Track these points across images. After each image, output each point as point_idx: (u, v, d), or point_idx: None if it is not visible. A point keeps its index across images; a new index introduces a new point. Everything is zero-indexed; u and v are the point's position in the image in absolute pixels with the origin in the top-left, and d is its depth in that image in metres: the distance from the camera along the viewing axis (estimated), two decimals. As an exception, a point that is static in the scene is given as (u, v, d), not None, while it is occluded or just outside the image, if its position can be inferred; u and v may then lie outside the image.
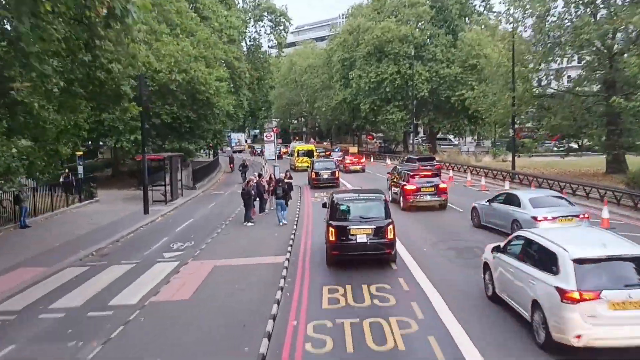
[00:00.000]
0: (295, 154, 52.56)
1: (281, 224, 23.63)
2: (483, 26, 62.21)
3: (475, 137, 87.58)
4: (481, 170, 43.08)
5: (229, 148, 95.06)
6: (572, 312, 8.38)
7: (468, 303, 12.02)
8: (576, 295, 8.40)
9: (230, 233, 22.10)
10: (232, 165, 59.47)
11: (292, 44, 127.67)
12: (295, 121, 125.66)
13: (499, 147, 64.67)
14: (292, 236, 20.65)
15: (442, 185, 26.03)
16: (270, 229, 22.86)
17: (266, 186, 26.70)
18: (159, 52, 36.76)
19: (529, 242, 10.54)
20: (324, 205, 17.62)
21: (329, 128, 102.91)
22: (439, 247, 18.04)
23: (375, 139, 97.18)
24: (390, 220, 15.18)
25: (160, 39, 37.47)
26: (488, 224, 20.06)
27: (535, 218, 16.88)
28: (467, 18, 66.07)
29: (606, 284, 8.53)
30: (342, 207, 15.79)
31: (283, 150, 75.41)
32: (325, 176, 38.13)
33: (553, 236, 9.99)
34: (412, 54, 59.58)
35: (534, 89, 36.96)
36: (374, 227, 14.96)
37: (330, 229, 15.06)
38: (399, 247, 16.73)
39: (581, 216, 17.32)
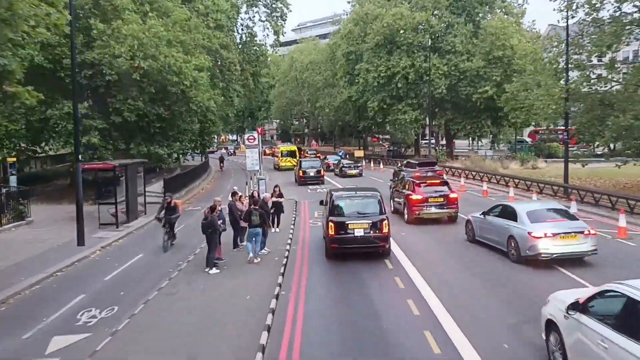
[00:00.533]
0: (280, 155, 57.89)
1: (256, 261, 16.74)
2: (507, 15, 54.70)
3: (490, 140, 79.83)
4: (514, 180, 35.43)
5: (223, 150, 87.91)
6: None
7: None
8: None
9: (179, 291, 14.29)
10: (222, 165, 61.11)
11: (294, 42, 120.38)
12: (297, 122, 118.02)
13: (525, 151, 57.02)
14: (275, 297, 13.02)
15: (452, 195, 23.22)
16: (243, 277, 15.24)
17: (244, 209, 18.97)
18: (119, 32, 29.25)
19: (633, 304, 6.74)
20: (322, 202, 19.61)
21: (332, 129, 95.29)
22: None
23: (379, 141, 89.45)
24: (385, 216, 16.57)
25: (121, 16, 29.95)
26: (483, 239, 18.25)
27: (531, 234, 15.18)
28: (488, 6, 58.22)
29: None
30: (340, 204, 17.01)
31: (268, 151, 76.19)
32: (312, 174, 41.03)
33: None
34: (429, 43, 51.82)
35: (592, 81, 29.12)
36: (370, 222, 16.21)
37: (330, 224, 16.27)
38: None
39: (586, 232, 15.32)
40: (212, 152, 74.44)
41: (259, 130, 23.71)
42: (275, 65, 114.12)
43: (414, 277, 14.65)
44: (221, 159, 62.84)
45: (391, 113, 56.40)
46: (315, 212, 27.13)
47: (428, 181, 24.09)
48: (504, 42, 50.48)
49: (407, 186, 24.07)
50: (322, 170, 41.66)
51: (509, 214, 16.70)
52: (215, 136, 77.40)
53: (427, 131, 63.86)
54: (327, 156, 58.52)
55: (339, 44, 72.91)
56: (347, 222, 16.13)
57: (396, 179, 30.21)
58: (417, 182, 23.54)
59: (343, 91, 66.93)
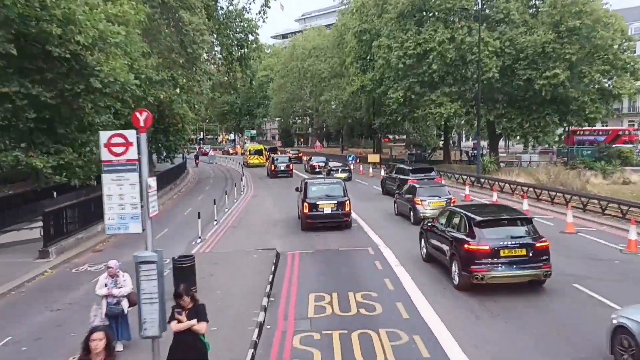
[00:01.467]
0: (248, 153, 65.47)
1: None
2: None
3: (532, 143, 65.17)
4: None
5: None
6: None
7: None
8: None
9: None
10: (197, 161, 66.02)
11: (298, 33, 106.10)
12: (299, 120, 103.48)
13: (589, 158, 42.77)
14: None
15: (539, 244, 12.49)
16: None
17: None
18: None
19: None
20: (297, 189, 24.06)
21: (339, 128, 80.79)
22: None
23: (390, 142, 74.95)
24: (347, 198, 21.36)
25: None
26: None
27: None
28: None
29: None
30: (313, 189, 21.77)
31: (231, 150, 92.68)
32: (282, 168, 46.18)
33: None
34: (480, 5, 37.23)
35: None
36: (336, 202, 20.98)
37: (305, 204, 21.08)
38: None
39: None
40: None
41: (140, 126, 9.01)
42: (276, 56, 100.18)
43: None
44: (196, 156, 69.12)
45: (421, 106, 41.89)
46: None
47: (494, 214, 14.16)
48: (582, 6, 36.00)
49: (460, 225, 13.53)
50: (291, 165, 47.19)
51: None
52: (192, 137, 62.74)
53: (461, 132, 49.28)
54: (312, 157, 54.13)
55: (348, 26, 58.98)
56: (318, 203, 20.87)
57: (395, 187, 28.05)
58: (478, 218, 12.99)
59: (354, 80, 52.55)
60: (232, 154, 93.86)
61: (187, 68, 33.75)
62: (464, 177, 35.47)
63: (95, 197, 22.58)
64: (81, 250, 19.43)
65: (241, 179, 40.70)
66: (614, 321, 8.60)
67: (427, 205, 21.07)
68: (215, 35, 38.17)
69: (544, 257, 12.41)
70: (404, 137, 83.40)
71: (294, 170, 47.50)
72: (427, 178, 28.31)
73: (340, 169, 40.91)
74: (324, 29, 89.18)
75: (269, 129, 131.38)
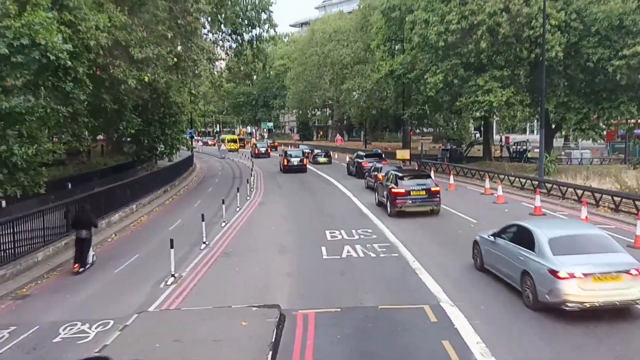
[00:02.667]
0: (226, 141, 79.13)
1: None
2: None
3: (573, 138, 57.67)
4: None
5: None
6: None
7: None
8: None
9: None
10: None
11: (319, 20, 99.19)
12: (318, 112, 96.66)
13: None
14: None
15: (434, 188, 21.59)
16: None
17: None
18: None
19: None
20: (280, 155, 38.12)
21: (363, 120, 73.93)
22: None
23: (416, 135, 67.75)
24: (305, 157, 44.48)
25: None
26: (492, 269, 12.65)
27: (555, 273, 9.80)
28: None
29: None
30: (290, 152, 44.38)
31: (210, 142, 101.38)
32: (295, 163, 43.25)
33: None
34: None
35: None
36: (300, 158, 42.43)
37: (284, 160, 42.82)
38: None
39: (633, 272, 9.82)
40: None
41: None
42: (294, 44, 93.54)
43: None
44: None
45: (465, 92, 34.90)
46: None
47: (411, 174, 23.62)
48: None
49: (389, 180, 22.81)
50: (305, 160, 44.62)
51: (524, 238, 11.35)
52: (193, 130, 56.51)
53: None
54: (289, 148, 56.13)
55: (374, 5, 52.31)
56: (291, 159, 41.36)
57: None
58: (400, 174, 22.55)
59: (382, 65, 45.74)
60: (210, 145, 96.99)
61: (181, 44, 27.39)
62: (522, 180, 28.57)
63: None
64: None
65: (248, 180, 34.28)
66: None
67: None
68: (217, 8, 31.57)
69: (437, 197, 21.41)
70: (430, 130, 76.35)
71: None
72: (377, 162, 34.66)
73: (323, 155, 52.97)
74: (345, 15, 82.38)
75: (286, 122, 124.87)
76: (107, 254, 17.66)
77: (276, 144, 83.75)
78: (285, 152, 46.03)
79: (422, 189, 21.35)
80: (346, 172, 41.54)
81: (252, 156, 61.68)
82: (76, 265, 15.09)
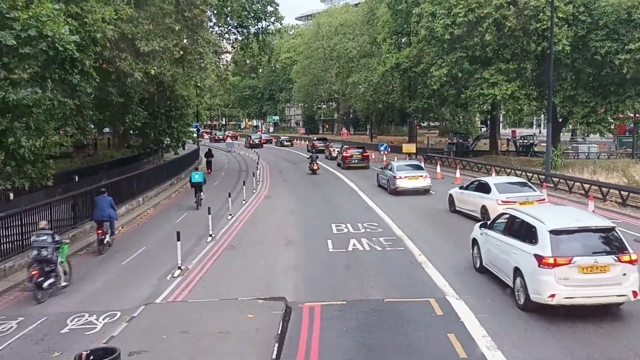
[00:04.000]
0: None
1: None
2: None
3: (581, 132, 57.28)
4: None
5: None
6: None
7: None
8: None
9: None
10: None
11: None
12: (324, 105, 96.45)
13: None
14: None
15: (365, 154, 40.19)
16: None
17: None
18: None
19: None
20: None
21: (369, 114, 73.77)
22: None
23: (421, 129, 67.52)
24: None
25: None
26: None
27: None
28: None
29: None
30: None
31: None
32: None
33: None
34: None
35: None
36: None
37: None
38: None
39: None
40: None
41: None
42: (300, 37, 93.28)
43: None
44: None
45: (470, 86, 34.75)
46: None
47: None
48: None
49: (343, 151, 42.07)
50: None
51: None
52: (199, 123, 56.46)
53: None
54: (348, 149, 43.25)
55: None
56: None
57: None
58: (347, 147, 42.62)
59: (388, 58, 45.58)
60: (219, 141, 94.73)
61: (187, 37, 27.35)
62: (529, 174, 28.46)
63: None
64: (5, 287, 13.29)
65: (254, 174, 34.31)
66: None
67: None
68: (223, 1, 31.51)
69: (366, 158, 40.18)
70: (437, 124, 76.03)
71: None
72: (324, 144, 44.54)
73: (285, 141, 65.78)
74: (351, 8, 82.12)
75: (292, 115, 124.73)
76: (114, 247, 17.74)
77: (270, 138, 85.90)
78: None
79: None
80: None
81: (246, 146, 71.33)
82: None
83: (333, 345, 9.15)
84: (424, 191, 25.91)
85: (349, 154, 39.87)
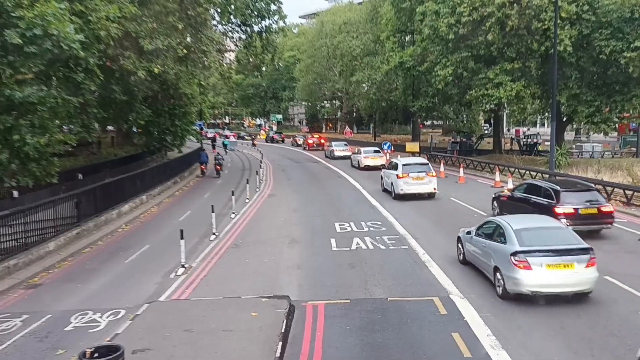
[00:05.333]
0: None
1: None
2: None
3: (584, 131, 57.07)
4: None
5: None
6: None
7: None
8: None
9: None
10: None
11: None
12: (327, 104, 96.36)
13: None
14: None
15: (322, 141, 52.95)
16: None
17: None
18: None
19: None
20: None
21: (372, 112, 73.70)
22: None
23: (425, 128, 67.28)
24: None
25: None
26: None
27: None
28: None
29: None
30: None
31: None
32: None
33: None
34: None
35: None
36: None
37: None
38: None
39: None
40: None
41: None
42: (304, 35, 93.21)
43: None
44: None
45: (475, 85, 34.67)
46: None
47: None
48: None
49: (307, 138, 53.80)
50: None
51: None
52: (203, 122, 56.44)
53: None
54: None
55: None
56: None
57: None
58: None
59: (391, 56, 45.50)
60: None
61: (191, 35, 27.36)
62: (533, 173, 28.39)
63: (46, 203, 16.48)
64: (9, 285, 13.31)
65: (257, 172, 34.30)
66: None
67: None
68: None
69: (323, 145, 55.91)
70: (440, 122, 75.84)
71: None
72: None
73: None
74: (355, 6, 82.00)
75: (295, 114, 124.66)
76: (117, 244, 17.78)
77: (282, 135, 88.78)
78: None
79: None
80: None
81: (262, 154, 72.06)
82: None
83: (336, 343, 9.15)
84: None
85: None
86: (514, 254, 10.57)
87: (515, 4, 31.11)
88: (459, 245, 13.91)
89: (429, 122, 75.23)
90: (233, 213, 21.88)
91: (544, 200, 16.24)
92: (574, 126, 55.67)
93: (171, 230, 18.71)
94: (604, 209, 15.72)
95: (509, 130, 58.44)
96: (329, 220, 19.88)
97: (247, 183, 27.78)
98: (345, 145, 48.00)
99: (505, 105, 37.49)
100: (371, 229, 18.23)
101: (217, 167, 36.54)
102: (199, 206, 24.50)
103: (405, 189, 23.55)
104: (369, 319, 10.18)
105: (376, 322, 10.02)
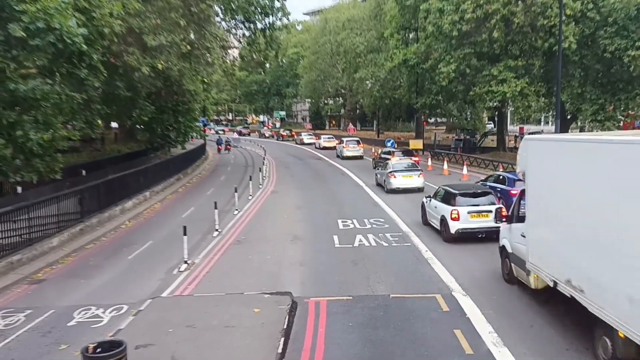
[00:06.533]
0: None
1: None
2: None
3: (589, 129, 56.76)
4: None
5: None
6: None
7: None
8: None
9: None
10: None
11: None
12: (331, 101, 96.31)
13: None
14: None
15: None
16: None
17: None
18: None
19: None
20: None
21: (375, 110, 73.60)
22: None
23: (429, 125, 67.36)
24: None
25: None
26: None
27: None
28: None
29: None
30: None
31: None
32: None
33: None
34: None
35: None
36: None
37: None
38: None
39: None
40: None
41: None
42: (307, 32, 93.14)
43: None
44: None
45: (478, 82, 34.60)
46: None
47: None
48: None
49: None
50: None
51: None
52: (205, 118, 56.48)
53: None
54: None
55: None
56: None
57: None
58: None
59: (395, 53, 45.40)
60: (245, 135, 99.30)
61: (194, 32, 27.37)
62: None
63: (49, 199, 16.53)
64: (13, 280, 13.37)
65: (260, 169, 34.32)
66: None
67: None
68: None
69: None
70: (444, 120, 75.73)
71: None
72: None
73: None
74: (359, 3, 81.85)
75: (299, 111, 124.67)
76: (121, 241, 17.83)
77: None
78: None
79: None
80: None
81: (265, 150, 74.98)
82: None
83: (339, 340, 9.16)
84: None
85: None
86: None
87: (520, 1, 31.00)
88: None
89: (432, 120, 75.19)
90: (236, 210, 21.92)
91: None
92: (579, 124, 55.48)
93: (174, 227, 18.75)
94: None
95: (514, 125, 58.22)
96: (332, 217, 19.89)
97: (250, 180, 27.80)
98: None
99: (510, 103, 37.32)
100: (374, 226, 18.24)
101: (228, 147, 57.08)
102: (202, 203, 24.54)
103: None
104: (371, 316, 10.19)
105: (378, 319, 10.03)
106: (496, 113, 47.28)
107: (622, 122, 38.53)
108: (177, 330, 9.49)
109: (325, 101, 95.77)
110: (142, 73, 23.25)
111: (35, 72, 12.56)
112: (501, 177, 20.67)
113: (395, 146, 45.30)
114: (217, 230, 18.09)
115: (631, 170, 6.86)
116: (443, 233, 15.75)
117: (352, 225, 18.41)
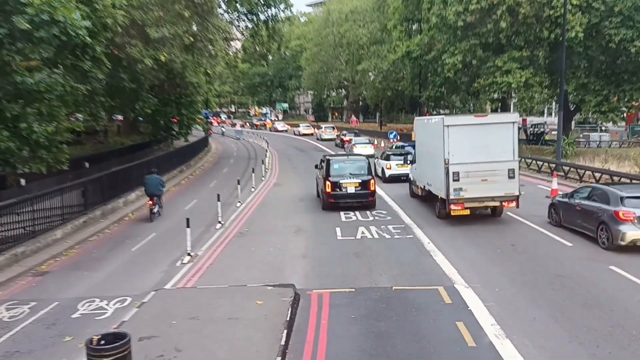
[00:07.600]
0: None
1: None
2: None
3: (594, 120, 56.53)
4: None
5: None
6: None
7: None
8: None
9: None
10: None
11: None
12: (334, 93, 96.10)
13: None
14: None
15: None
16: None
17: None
18: None
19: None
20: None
21: (378, 102, 73.43)
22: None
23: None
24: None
25: None
26: None
27: None
28: None
29: None
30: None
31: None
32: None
33: None
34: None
35: None
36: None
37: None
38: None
39: None
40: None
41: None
42: (310, 24, 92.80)
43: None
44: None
45: (483, 74, 34.47)
46: None
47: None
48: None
49: None
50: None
51: None
52: (209, 110, 56.46)
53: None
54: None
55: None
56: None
57: None
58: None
59: (398, 45, 45.24)
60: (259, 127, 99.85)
61: (197, 24, 27.30)
62: (539, 163, 28.28)
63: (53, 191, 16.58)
64: (17, 272, 13.44)
65: (263, 161, 34.31)
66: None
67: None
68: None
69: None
70: (447, 112, 75.48)
71: None
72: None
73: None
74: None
75: (302, 103, 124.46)
76: (124, 233, 17.89)
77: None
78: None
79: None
80: None
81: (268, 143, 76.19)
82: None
83: (341, 332, 9.20)
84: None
85: None
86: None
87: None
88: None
89: (435, 112, 74.95)
90: (239, 202, 21.96)
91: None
92: (583, 115, 55.17)
93: (177, 219, 18.79)
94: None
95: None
96: (334, 209, 19.90)
97: (253, 172, 27.80)
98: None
99: (514, 94, 37.21)
100: (376, 218, 18.26)
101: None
102: (205, 195, 24.59)
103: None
104: (374, 308, 10.22)
105: (381, 311, 10.05)
106: (499, 105, 47.13)
107: (625, 114, 38.46)
108: (180, 322, 9.53)
109: (328, 93, 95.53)
110: (145, 65, 23.25)
111: (40, 65, 12.55)
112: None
113: (398, 138, 45.30)
114: (220, 222, 18.14)
115: (435, 130, 17.01)
116: (382, 178, 25.85)
117: (354, 218, 18.43)
